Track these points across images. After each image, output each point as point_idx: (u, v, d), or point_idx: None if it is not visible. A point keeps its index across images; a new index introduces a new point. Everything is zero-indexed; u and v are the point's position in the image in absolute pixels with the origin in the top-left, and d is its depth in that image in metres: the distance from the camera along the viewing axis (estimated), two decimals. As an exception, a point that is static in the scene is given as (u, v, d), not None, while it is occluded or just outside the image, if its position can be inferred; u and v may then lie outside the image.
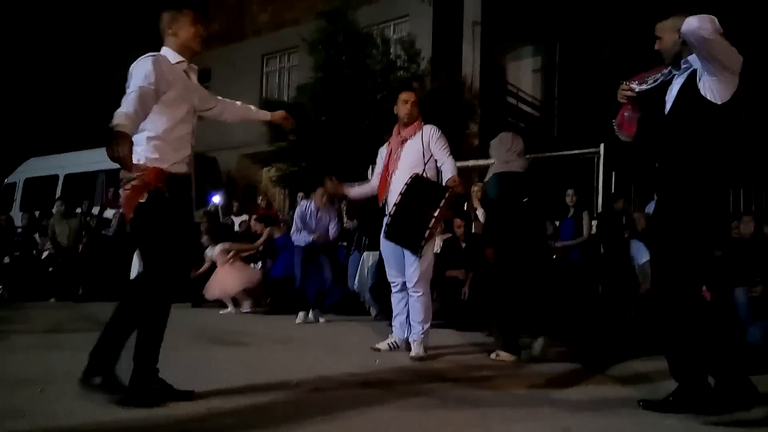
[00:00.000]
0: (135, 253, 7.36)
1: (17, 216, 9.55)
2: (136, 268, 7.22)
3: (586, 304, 5.12)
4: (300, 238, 5.92)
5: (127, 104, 2.36)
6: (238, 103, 3.21)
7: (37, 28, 15.65)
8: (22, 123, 16.81)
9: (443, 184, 3.81)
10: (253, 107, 3.28)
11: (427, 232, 3.54)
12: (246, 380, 3.07)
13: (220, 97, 3.10)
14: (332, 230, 5.97)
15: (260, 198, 10.19)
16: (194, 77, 2.80)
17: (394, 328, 4.14)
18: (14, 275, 8.31)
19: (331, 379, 3.15)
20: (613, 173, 7.11)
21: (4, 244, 8.59)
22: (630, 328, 4.57)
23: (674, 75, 2.70)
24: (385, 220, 3.78)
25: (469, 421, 2.48)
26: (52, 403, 2.54)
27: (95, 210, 9.42)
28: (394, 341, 4.08)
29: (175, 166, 2.61)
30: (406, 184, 3.63)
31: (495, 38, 12.21)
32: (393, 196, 3.76)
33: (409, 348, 3.94)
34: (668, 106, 2.67)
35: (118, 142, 2.21)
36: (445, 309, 5.70)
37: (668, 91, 2.72)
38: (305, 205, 6.07)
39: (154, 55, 2.59)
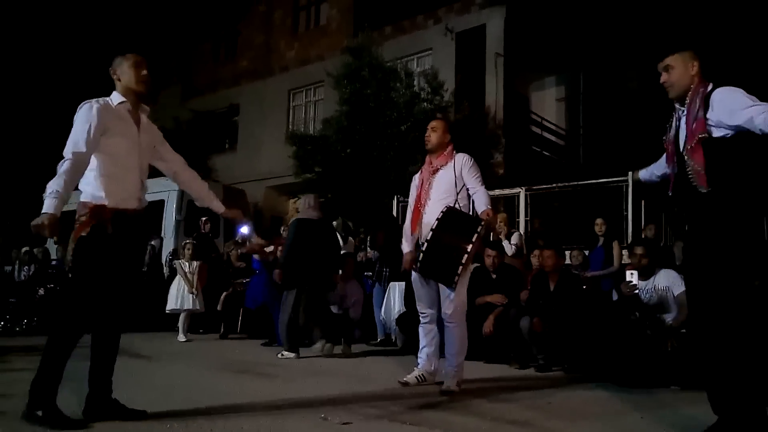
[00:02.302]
0: (171, 286, 7.44)
1: (52, 248, 9.80)
2: (173, 300, 7.27)
3: (619, 334, 4.99)
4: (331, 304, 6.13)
5: (60, 178, 2.57)
6: (202, 182, 3.32)
7: (37, 46, 16.31)
8: (47, 154, 17.38)
9: (477, 215, 3.78)
10: (212, 193, 3.36)
11: (461, 266, 3.48)
12: (273, 410, 3.07)
13: (181, 161, 3.21)
14: (353, 313, 6.12)
15: (283, 229, 10.27)
16: (144, 118, 2.96)
17: (420, 360, 4.07)
18: (48, 307, 8.49)
19: (359, 412, 3.11)
20: (643, 202, 7.02)
21: (39, 276, 8.81)
22: (666, 360, 4.43)
23: (679, 115, 2.72)
24: (419, 254, 3.68)
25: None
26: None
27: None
28: (422, 374, 4.00)
29: (122, 203, 2.76)
30: (437, 218, 3.58)
31: (518, 69, 12.32)
32: (426, 227, 3.73)
33: (437, 381, 3.88)
34: (681, 142, 2.67)
35: (44, 225, 2.47)
36: (473, 341, 5.61)
37: (678, 130, 2.72)
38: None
39: (93, 102, 2.76)
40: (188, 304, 7.21)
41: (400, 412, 3.15)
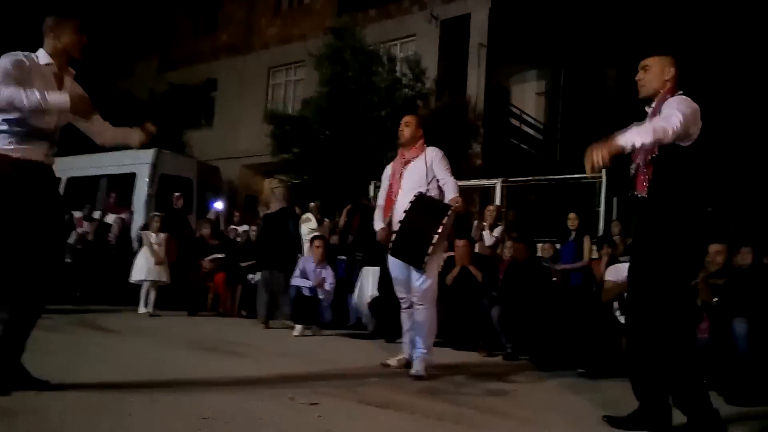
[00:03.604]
0: (136, 256, 7.34)
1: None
2: (138, 271, 7.18)
3: (585, 325, 5.10)
4: (302, 285, 6.22)
5: None
6: (112, 128, 3.18)
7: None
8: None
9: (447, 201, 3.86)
10: (118, 130, 3.17)
11: (430, 248, 3.61)
12: (240, 389, 3.05)
13: (100, 118, 3.08)
14: (329, 284, 6.29)
15: (260, 208, 10.19)
16: (68, 80, 2.90)
17: (404, 345, 4.14)
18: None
19: (327, 393, 3.12)
20: (615, 198, 7.15)
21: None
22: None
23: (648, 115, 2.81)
24: (393, 237, 3.80)
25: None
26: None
27: (96, 214, 9.39)
28: (405, 358, 4.07)
29: (28, 154, 2.70)
30: (410, 201, 3.73)
31: (500, 60, 12.34)
32: (398, 215, 3.86)
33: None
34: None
35: None
36: (443, 327, 5.67)
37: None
38: (304, 261, 6.45)
39: (16, 54, 2.70)
40: (153, 275, 7.14)
41: (368, 394, 3.17)
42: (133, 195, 9.89)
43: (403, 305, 4.06)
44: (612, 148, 2.50)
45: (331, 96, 10.67)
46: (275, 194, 7.21)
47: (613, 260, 5.52)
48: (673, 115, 2.52)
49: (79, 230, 8.77)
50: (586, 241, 6.30)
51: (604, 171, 7.09)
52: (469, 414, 2.90)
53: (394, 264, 4.00)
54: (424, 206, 3.74)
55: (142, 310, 7.06)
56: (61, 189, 10.92)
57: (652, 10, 11.91)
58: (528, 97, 14.20)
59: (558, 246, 6.59)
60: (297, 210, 7.65)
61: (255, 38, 16.31)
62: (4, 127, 2.69)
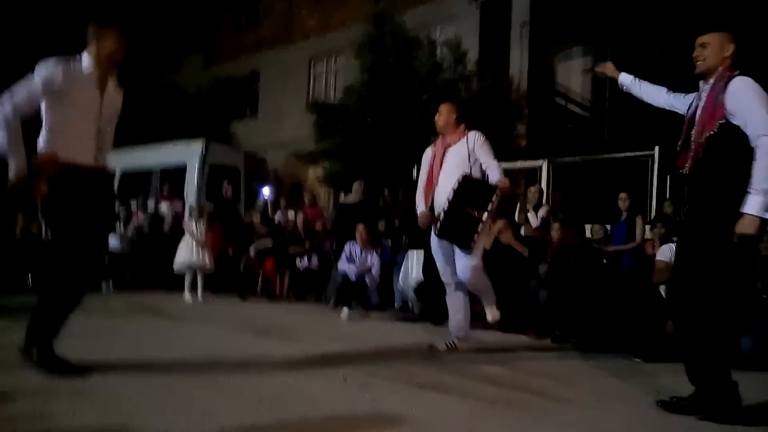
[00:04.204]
0: (180, 244, 7.50)
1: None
2: (180, 260, 7.37)
3: (636, 309, 4.98)
4: (349, 270, 6.35)
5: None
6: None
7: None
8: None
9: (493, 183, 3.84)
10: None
11: (478, 230, 3.63)
12: (295, 373, 3.15)
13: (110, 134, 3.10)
14: (375, 270, 6.44)
15: (306, 196, 10.39)
16: (111, 86, 3.00)
17: (450, 328, 4.15)
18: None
19: (378, 374, 3.18)
20: (668, 177, 6.89)
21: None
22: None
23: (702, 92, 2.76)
24: (438, 219, 3.81)
25: (519, 426, 2.46)
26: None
27: (150, 205, 9.78)
28: (452, 341, 4.08)
29: (74, 158, 2.83)
30: (454, 187, 3.72)
31: (544, 39, 12.01)
32: (439, 198, 3.87)
33: (457, 347, 4.01)
34: (697, 115, 2.72)
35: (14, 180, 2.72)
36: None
37: (696, 108, 2.75)
38: (350, 246, 6.58)
39: (57, 62, 2.82)
40: (195, 263, 7.23)
41: (418, 377, 3.22)
42: (185, 185, 10.24)
43: (449, 289, 4.08)
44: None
45: (372, 83, 10.67)
46: (354, 187, 7.93)
47: (665, 240, 5.35)
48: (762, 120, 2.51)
49: (135, 222, 9.15)
50: (639, 221, 6.11)
51: (657, 148, 6.85)
52: (521, 397, 2.90)
53: (437, 249, 4.02)
54: (471, 187, 3.74)
55: (187, 297, 7.10)
56: (116, 181, 11.48)
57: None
58: (574, 75, 13.77)
59: (608, 227, 6.41)
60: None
61: (296, 29, 16.45)
62: (50, 128, 2.82)
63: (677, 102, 3.01)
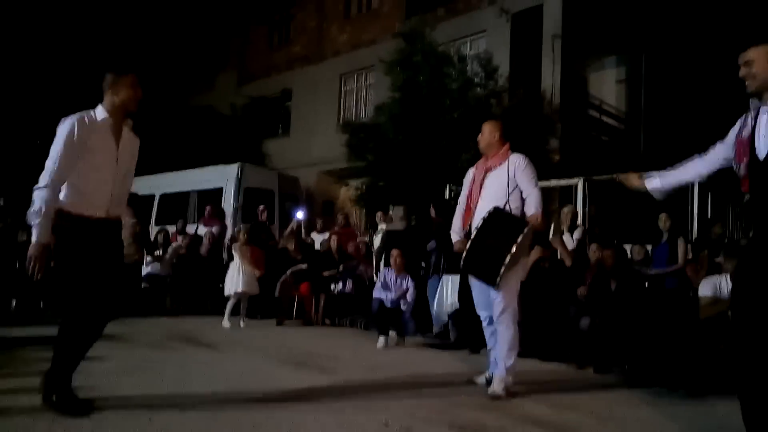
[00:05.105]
0: (229, 269, 7.64)
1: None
2: (231, 284, 7.46)
3: (680, 333, 4.84)
4: (385, 297, 6.37)
5: (39, 205, 2.76)
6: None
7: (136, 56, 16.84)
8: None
9: (526, 217, 3.77)
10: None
11: (503, 267, 3.50)
12: (337, 412, 3.16)
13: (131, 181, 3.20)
14: (410, 296, 6.42)
15: (338, 217, 10.44)
16: (126, 132, 3.04)
17: (489, 362, 4.07)
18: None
19: (418, 417, 3.17)
20: (709, 194, 6.70)
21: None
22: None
23: (759, 112, 2.53)
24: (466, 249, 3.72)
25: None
26: None
27: (190, 228, 10.00)
28: (490, 375, 3.99)
29: (86, 210, 2.88)
30: (483, 218, 3.64)
31: (576, 50, 11.87)
32: (476, 224, 3.76)
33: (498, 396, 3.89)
34: (759, 143, 2.49)
35: (35, 256, 2.75)
36: (530, 338, 5.56)
37: (754, 129, 2.53)
38: (386, 273, 6.58)
39: (75, 119, 2.86)
40: (245, 287, 7.34)
41: (459, 417, 3.19)
42: (222, 208, 10.45)
43: (484, 322, 4.01)
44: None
45: (403, 101, 10.71)
46: (395, 212, 8.21)
47: (711, 265, 5.20)
48: None
49: (174, 245, 9.35)
50: (681, 243, 5.94)
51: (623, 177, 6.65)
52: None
53: (474, 280, 3.95)
54: (499, 222, 3.62)
55: (226, 323, 7.13)
56: (155, 205, 11.79)
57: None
58: (607, 86, 13.57)
59: (649, 248, 6.26)
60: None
61: (326, 46, 16.68)
62: (68, 183, 2.87)
63: (710, 164, 2.83)
